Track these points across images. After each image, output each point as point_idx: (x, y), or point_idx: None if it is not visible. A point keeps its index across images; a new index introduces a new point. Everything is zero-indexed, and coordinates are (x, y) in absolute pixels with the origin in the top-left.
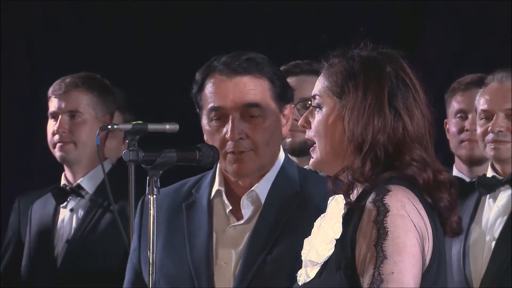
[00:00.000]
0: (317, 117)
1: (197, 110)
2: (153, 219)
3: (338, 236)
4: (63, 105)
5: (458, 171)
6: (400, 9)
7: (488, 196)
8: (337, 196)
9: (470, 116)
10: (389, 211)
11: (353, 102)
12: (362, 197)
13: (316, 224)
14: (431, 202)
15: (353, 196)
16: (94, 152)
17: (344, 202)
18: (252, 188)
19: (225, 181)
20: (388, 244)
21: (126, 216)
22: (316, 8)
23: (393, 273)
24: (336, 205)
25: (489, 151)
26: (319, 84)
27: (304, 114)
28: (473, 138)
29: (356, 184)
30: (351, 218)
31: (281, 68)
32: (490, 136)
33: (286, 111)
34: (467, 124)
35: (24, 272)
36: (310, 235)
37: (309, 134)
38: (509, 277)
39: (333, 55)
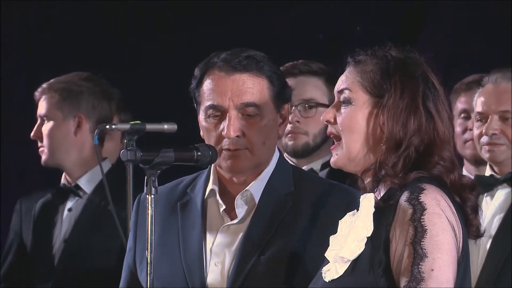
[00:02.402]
0: (346, 112)
1: (194, 105)
2: (151, 219)
3: (369, 234)
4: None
5: (467, 172)
6: (398, 8)
7: (485, 194)
8: (368, 194)
9: (473, 115)
10: (426, 209)
11: (391, 101)
12: (390, 196)
13: (344, 221)
14: (459, 201)
15: (377, 195)
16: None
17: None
18: (246, 188)
19: (219, 180)
20: (427, 242)
21: (124, 216)
22: (314, 7)
23: (433, 270)
24: (368, 202)
25: (484, 153)
26: (349, 79)
27: (328, 109)
28: None
29: (382, 182)
30: (381, 216)
31: None
32: (485, 139)
33: (284, 111)
34: (469, 123)
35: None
36: (304, 235)
37: (334, 129)
38: (505, 275)
39: (362, 53)
